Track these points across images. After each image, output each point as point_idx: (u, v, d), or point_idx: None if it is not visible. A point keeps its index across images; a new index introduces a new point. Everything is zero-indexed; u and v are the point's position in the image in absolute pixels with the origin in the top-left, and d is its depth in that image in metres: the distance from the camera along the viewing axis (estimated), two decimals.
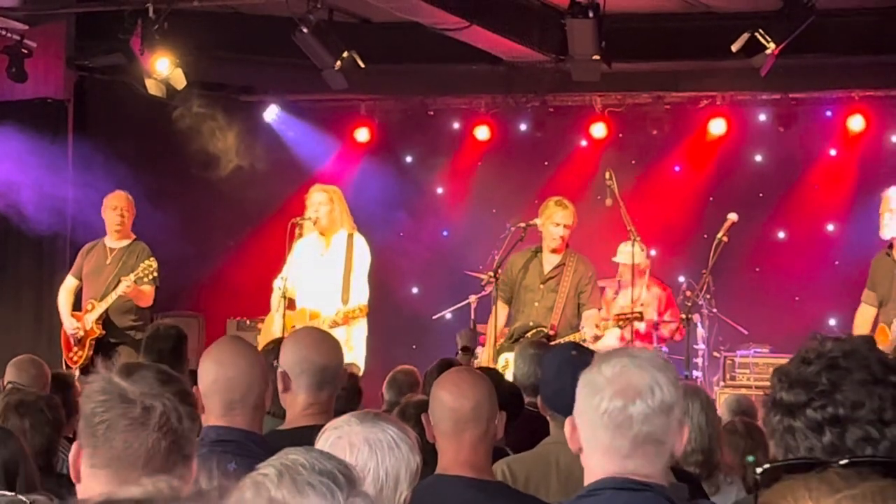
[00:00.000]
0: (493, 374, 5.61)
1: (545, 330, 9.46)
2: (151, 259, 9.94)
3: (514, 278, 9.78)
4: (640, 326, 10.61)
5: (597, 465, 2.97)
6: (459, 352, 9.75)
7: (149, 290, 9.95)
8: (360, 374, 9.05)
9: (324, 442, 3.09)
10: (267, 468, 2.14)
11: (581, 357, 4.35)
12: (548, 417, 4.88)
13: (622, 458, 2.91)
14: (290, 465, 2.12)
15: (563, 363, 4.50)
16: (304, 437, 2.68)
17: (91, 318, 9.95)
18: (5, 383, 6.80)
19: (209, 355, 4.25)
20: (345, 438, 3.09)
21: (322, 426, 3.28)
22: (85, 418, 2.78)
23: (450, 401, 4.05)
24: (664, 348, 10.82)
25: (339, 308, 9.45)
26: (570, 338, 9.26)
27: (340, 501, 2.08)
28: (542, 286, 9.67)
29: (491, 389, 4.14)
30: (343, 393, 4.88)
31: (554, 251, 9.70)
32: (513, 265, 9.82)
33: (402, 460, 3.08)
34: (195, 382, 7.67)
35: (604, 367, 2.94)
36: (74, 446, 2.81)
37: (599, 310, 10.00)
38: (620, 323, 9.85)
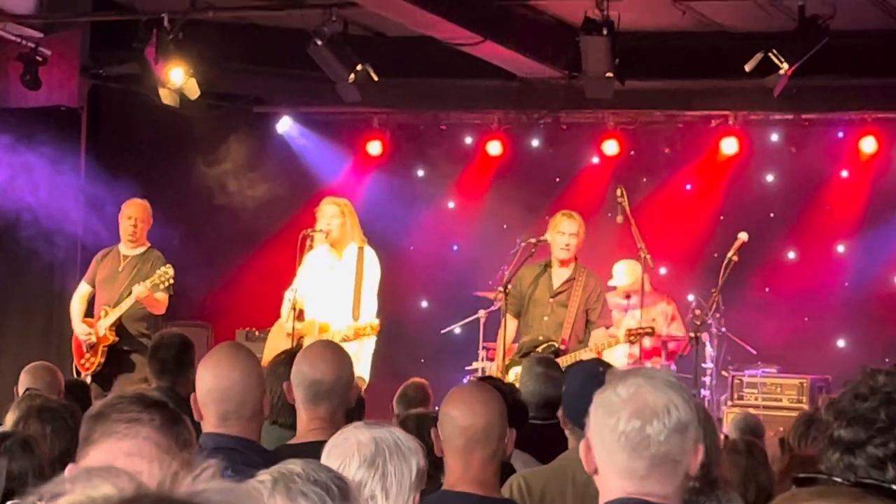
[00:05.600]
0: (503, 388, 5.57)
1: (555, 345, 9.42)
2: (167, 266, 9.87)
3: (523, 292, 9.76)
4: (647, 343, 10.58)
5: (613, 486, 2.95)
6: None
7: (163, 297, 9.89)
8: (365, 386, 9.05)
9: (331, 443, 3.11)
10: (264, 475, 2.17)
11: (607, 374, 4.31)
12: (567, 432, 4.85)
13: (639, 479, 2.89)
14: (286, 474, 2.15)
15: (589, 378, 4.39)
16: (307, 453, 2.69)
17: (104, 324, 9.91)
18: (20, 390, 6.79)
19: (205, 364, 4.23)
20: (352, 439, 3.12)
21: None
22: None
23: (461, 419, 3.97)
24: (673, 367, 10.80)
25: (350, 324, 9.43)
26: (578, 353, 9.23)
27: None
28: (551, 300, 9.65)
29: (502, 408, 4.08)
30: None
31: (562, 263, 9.68)
32: (522, 279, 9.80)
33: (410, 461, 3.10)
34: None
35: (619, 388, 2.91)
36: None
37: (608, 328, 9.97)
38: (632, 338, 9.82)
